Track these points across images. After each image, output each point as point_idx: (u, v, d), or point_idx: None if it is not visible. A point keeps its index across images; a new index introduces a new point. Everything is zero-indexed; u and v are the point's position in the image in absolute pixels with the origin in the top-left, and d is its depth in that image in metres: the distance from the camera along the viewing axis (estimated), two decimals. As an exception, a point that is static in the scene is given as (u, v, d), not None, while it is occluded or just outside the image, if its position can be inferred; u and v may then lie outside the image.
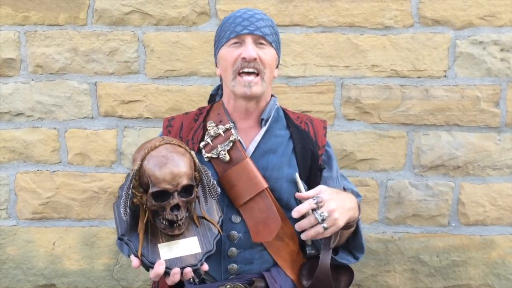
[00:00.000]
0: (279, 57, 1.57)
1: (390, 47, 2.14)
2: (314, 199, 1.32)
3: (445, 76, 2.15)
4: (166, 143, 1.31)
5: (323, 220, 1.32)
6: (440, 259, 2.23)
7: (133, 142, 2.22)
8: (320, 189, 1.37)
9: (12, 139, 2.26)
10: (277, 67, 1.57)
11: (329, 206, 1.32)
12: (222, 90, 1.64)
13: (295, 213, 1.34)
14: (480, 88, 2.15)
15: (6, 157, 2.27)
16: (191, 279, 1.45)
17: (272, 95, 1.59)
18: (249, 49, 1.42)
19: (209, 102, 1.70)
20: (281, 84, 2.16)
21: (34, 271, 2.32)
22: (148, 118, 2.22)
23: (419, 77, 2.15)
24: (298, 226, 1.36)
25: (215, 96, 1.68)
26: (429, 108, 2.16)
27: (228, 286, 1.43)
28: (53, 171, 2.27)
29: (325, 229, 1.32)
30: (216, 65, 1.57)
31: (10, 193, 2.30)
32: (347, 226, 1.41)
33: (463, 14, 2.11)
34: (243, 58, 1.42)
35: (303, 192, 1.39)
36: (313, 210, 1.33)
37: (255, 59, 1.42)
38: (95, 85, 2.22)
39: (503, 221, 2.21)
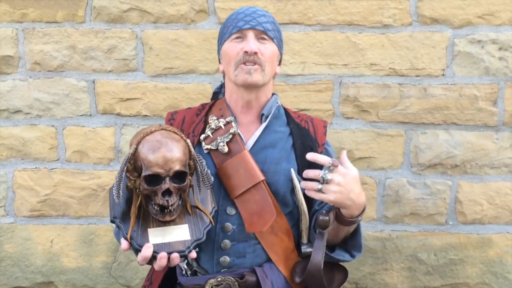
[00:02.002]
0: (281, 54, 1.59)
1: (389, 46, 2.14)
2: (331, 161, 1.33)
3: (443, 75, 2.15)
4: (162, 129, 1.33)
5: (323, 181, 1.32)
6: (438, 257, 2.23)
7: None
8: (351, 167, 1.37)
9: (10, 137, 2.26)
10: (279, 64, 1.59)
11: (336, 177, 1.33)
12: (225, 88, 1.64)
13: (310, 155, 1.36)
14: (478, 87, 2.15)
15: (4, 154, 2.27)
16: (183, 271, 1.46)
17: (273, 93, 1.61)
18: (251, 43, 1.45)
19: (212, 99, 1.71)
20: (279, 82, 2.16)
21: (32, 268, 2.32)
22: (146, 116, 2.22)
23: (417, 76, 2.15)
24: (305, 173, 1.37)
25: (218, 94, 1.69)
26: (427, 106, 2.16)
27: (219, 279, 1.43)
28: (51, 169, 2.27)
29: (319, 190, 1.33)
30: (219, 62, 1.60)
31: (8, 191, 2.29)
32: (343, 221, 1.40)
33: (461, 13, 2.12)
34: (245, 52, 1.45)
35: (320, 155, 1.38)
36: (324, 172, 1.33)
37: (255, 52, 1.45)
38: (93, 82, 2.22)
39: (500, 220, 2.21)
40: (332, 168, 1.33)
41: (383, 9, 2.12)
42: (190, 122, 1.58)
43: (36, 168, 2.27)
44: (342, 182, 1.33)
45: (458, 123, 2.17)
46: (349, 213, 1.39)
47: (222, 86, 1.68)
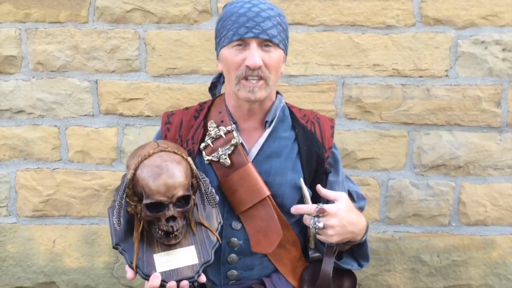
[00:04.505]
0: (286, 54, 1.47)
1: (392, 46, 2.14)
2: (317, 207, 1.30)
3: (447, 75, 2.15)
4: (161, 151, 1.25)
5: (316, 230, 1.31)
6: (441, 259, 2.23)
7: (133, 140, 2.22)
8: (338, 196, 1.35)
9: (12, 137, 2.26)
10: (284, 61, 1.48)
11: (329, 220, 1.30)
12: (224, 78, 1.54)
13: (294, 209, 1.35)
14: (481, 88, 2.14)
15: (6, 154, 2.27)
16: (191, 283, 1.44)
17: (277, 93, 1.51)
18: (254, 56, 1.32)
19: (210, 89, 1.62)
20: (282, 83, 2.15)
21: (34, 268, 2.32)
22: (149, 116, 2.22)
23: (420, 77, 2.15)
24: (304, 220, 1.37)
25: (217, 83, 1.60)
26: (430, 107, 2.15)
27: None
28: (53, 169, 2.27)
29: (318, 234, 1.33)
30: (217, 58, 1.48)
31: (11, 191, 2.29)
32: (348, 243, 1.40)
33: (465, 13, 2.11)
34: (247, 66, 1.33)
35: (305, 205, 1.37)
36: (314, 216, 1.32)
37: (260, 66, 1.33)
38: (96, 82, 2.22)
39: (503, 221, 2.20)
40: (320, 215, 1.30)
41: (386, 9, 2.12)
42: (189, 127, 1.49)
43: (38, 168, 2.27)
44: (336, 224, 1.30)
45: (461, 124, 2.16)
46: (353, 240, 1.39)
47: (221, 75, 1.58)
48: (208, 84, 2.14)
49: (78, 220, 2.29)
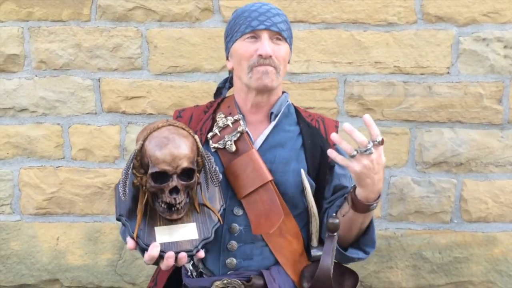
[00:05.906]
0: (291, 52, 1.54)
1: (393, 44, 2.14)
2: (382, 137, 1.26)
3: (448, 73, 2.15)
4: (169, 125, 1.30)
5: (364, 151, 1.24)
6: (442, 255, 2.23)
7: (136, 138, 2.23)
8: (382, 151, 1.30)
9: (16, 135, 2.27)
10: (288, 62, 1.54)
11: (374, 152, 1.26)
12: (230, 83, 1.61)
13: (347, 126, 1.27)
14: (483, 85, 2.15)
15: (10, 152, 2.28)
16: (189, 272, 1.45)
17: (283, 91, 1.57)
18: (265, 45, 1.40)
19: (215, 95, 1.68)
20: (284, 80, 2.13)
21: (38, 266, 2.33)
22: (151, 114, 2.23)
23: (422, 74, 2.15)
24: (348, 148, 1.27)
25: (222, 89, 1.65)
26: (432, 105, 2.16)
27: (225, 281, 1.41)
28: (56, 167, 2.28)
29: (353, 156, 1.26)
30: (227, 58, 1.54)
31: (14, 189, 2.31)
32: (358, 205, 1.35)
33: (466, 10, 2.11)
34: (259, 55, 1.40)
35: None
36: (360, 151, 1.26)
37: (271, 56, 1.40)
38: (99, 81, 2.23)
39: (505, 218, 2.21)
40: (376, 143, 1.26)
41: (388, 7, 2.12)
42: (198, 120, 1.54)
43: (42, 166, 2.28)
44: (374, 160, 1.27)
45: (463, 121, 2.17)
46: (364, 195, 1.33)
47: (226, 80, 1.64)
48: (210, 82, 2.18)
49: (82, 217, 2.30)
